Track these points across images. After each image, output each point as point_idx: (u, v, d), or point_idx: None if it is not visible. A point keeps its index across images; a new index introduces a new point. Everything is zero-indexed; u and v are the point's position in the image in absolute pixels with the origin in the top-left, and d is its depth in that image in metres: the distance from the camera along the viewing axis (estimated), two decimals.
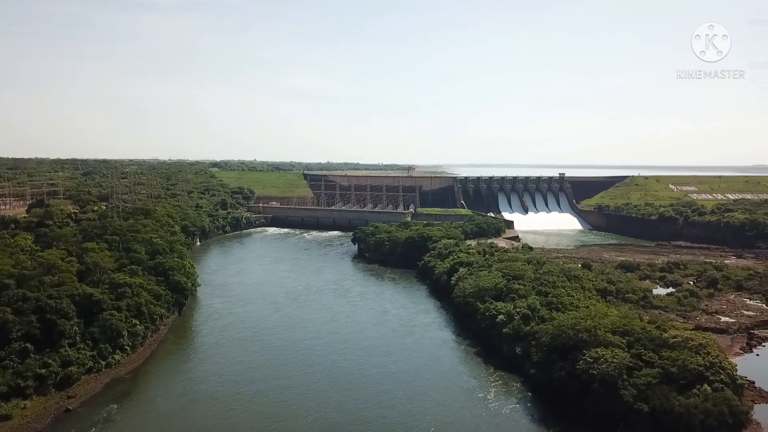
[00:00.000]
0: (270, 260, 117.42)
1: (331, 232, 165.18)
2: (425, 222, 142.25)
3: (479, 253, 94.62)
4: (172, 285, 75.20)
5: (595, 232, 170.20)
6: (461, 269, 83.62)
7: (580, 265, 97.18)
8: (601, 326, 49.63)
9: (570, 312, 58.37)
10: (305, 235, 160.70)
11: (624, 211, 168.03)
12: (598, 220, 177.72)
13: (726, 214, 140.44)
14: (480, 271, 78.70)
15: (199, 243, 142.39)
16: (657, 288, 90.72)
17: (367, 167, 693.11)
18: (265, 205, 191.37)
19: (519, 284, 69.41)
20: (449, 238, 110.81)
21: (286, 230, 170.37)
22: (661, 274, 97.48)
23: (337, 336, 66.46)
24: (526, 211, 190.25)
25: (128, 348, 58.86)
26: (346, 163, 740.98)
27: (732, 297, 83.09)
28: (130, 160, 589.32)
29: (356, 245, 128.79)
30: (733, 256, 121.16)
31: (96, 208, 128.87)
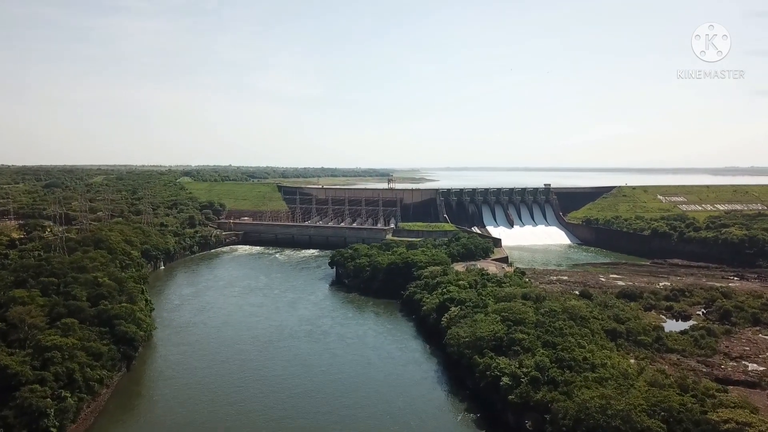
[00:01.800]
0: (238, 290, 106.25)
1: (306, 251, 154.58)
2: (408, 241, 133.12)
3: (470, 285, 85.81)
4: (119, 336, 64.56)
5: (584, 247, 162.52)
6: (453, 308, 74.42)
7: (578, 293, 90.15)
8: (636, 407, 40.63)
9: (586, 373, 50.00)
10: (278, 255, 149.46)
11: (614, 225, 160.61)
12: (586, 234, 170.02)
13: (723, 230, 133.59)
14: (475, 313, 69.46)
15: (163, 267, 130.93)
16: (665, 321, 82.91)
17: (344, 173, 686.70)
18: (236, 221, 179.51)
19: (521, 333, 60.38)
20: (435, 264, 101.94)
21: (258, 249, 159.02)
22: (667, 303, 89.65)
23: (311, 407, 55.04)
24: (511, 224, 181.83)
25: (54, 430, 48.07)
26: (323, 168, 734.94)
27: (750, 334, 75.28)
28: (99, 167, 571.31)
29: (334, 269, 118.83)
30: (734, 276, 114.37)
31: (45, 233, 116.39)
